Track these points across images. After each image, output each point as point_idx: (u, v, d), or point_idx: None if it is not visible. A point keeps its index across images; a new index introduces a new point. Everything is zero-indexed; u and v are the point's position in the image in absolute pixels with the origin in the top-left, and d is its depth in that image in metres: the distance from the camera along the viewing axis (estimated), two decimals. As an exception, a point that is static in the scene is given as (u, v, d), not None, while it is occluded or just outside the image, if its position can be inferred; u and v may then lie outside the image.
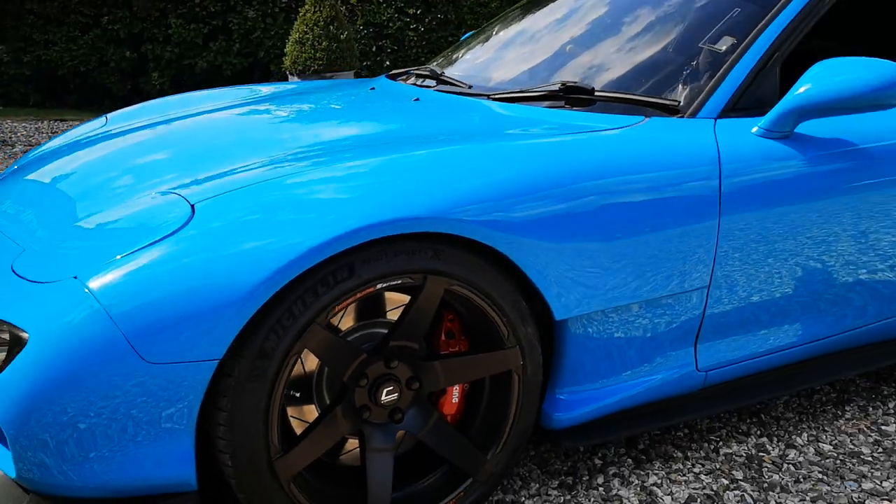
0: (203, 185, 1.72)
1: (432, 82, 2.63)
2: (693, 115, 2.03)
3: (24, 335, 1.48)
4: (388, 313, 1.79)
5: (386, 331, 1.74)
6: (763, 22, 2.15)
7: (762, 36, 2.12)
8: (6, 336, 1.53)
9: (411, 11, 8.13)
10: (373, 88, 2.66)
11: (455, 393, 1.83)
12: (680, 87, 2.11)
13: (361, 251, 1.56)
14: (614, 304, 1.85)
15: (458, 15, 8.10)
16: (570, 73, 2.34)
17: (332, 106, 2.56)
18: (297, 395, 1.71)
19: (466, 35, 3.38)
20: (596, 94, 2.14)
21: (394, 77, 2.88)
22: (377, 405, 1.70)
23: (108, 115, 2.74)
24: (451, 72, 2.66)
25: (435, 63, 2.96)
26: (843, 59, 1.98)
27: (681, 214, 1.88)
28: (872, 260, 2.20)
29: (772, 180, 1.99)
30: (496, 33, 2.94)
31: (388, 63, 8.26)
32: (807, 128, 2.06)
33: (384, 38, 8.23)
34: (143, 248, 1.53)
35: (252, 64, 8.59)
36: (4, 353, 1.53)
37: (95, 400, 1.47)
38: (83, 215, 1.82)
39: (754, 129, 2.02)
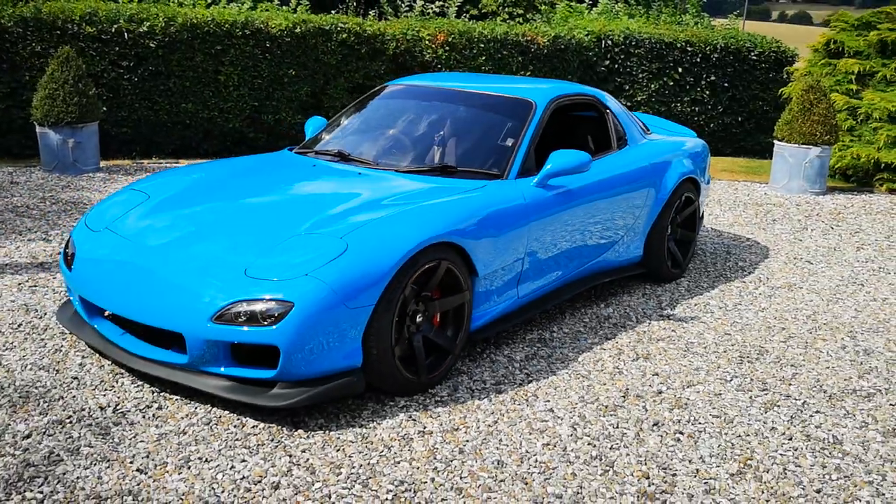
0: (331, 227, 3.54)
1: (336, 158, 4.55)
2: (506, 178, 4.31)
3: (291, 303, 3.22)
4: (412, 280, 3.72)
5: (415, 288, 3.69)
6: (523, 130, 4.53)
7: (525, 137, 4.49)
8: (271, 305, 3.23)
9: (125, 64, 9.28)
10: (315, 166, 4.48)
11: (438, 315, 3.87)
12: (498, 164, 4.38)
13: (422, 250, 3.55)
14: (493, 267, 4.04)
15: (167, 68, 9.45)
16: (432, 153, 4.47)
17: (317, 179, 4.34)
18: (397, 319, 3.59)
19: (315, 119, 5.25)
20: (459, 169, 4.31)
21: (299, 153, 4.72)
22: (414, 323, 3.68)
23: (147, 190, 4.16)
24: (352, 152, 4.60)
25: (322, 143, 4.83)
26: (565, 151, 4.40)
27: (514, 222, 4.14)
28: (582, 236, 4.69)
29: (542, 204, 4.34)
30: (357, 120, 4.94)
31: (105, 109, 9.28)
32: (552, 181, 4.45)
33: (100, 86, 9.26)
34: (335, 258, 3.35)
35: (-39, 110, 8.96)
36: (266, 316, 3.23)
37: (328, 328, 3.28)
38: (268, 244, 3.51)
39: (532, 183, 4.36)
